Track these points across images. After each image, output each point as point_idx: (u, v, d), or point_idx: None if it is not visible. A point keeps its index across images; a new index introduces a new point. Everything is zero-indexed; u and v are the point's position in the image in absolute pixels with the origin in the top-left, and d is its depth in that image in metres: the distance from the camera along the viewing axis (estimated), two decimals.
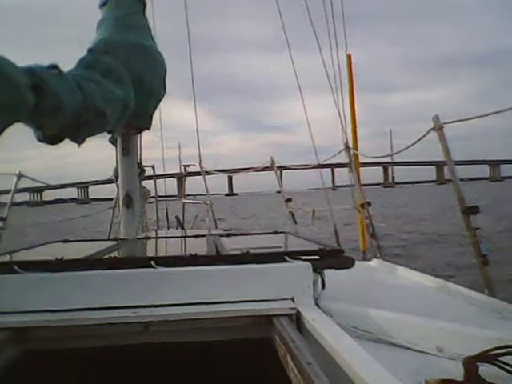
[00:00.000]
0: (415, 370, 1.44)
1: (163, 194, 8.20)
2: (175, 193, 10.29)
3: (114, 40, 2.95)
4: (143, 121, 3.33)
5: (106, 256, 2.16)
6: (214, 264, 1.90)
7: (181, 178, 8.88)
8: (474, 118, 2.43)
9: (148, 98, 3.07)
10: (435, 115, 2.58)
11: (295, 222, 5.25)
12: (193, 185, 8.39)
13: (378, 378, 1.09)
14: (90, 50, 2.74)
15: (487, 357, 1.37)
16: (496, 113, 2.20)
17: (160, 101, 3.36)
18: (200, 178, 7.02)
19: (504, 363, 1.29)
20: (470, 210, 2.41)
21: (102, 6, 3.39)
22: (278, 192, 5.93)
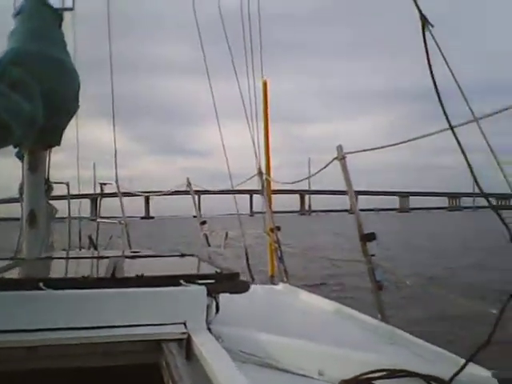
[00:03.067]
0: None
1: (77, 215, 7.93)
2: (89, 215, 9.97)
3: (25, 51, 2.87)
4: (53, 137, 3.24)
5: None
6: (107, 287, 1.84)
7: (95, 199, 8.63)
8: (373, 149, 2.59)
9: (59, 113, 3.00)
10: (339, 145, 2.70)
11: (209, 245, 5.27)
12: (107, 207, 8.15)
13: None
14: None
15: (362, 380, 1.44)
16: (393, 145, 2.36)
17: (72, 117, 3.29)
18: (116, 199, 6.88)
19: None
20: (367, 237, 2.55)
21: (16, 15, 3.29)
22: (194, 216, 5.93)
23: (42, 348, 1.60)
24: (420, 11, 1.44)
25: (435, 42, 1.44)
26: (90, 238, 7.16)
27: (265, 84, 4.46)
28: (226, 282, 1.97)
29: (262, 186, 4.38)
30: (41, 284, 1.80)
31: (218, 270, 2.10)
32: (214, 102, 5.39)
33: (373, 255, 2.51)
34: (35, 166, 3.38)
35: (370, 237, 2.55)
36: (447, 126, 1.46)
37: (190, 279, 1.92)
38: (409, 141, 2.31)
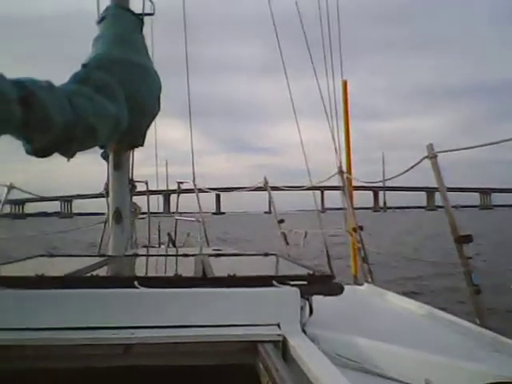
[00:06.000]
0: None
1: (155, 211, 8.14)
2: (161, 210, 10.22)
3: (109, 56, 2.94)
4: (136, 138, 3.30)
5: (89, 274, 2.11)
6: (200, 286, 1.85)
7: (167, 195, 8.82)
8: (469, 148, 2.45)
9: (141, 115, 3.05)
10: (429, 144, 2.59)
11: (287, 244, 5.22)
12: (180, 203, 8.29)
13: None
14: (84, 66, 2.71)
15: None
16: (494, 143, 2.20)
17: (153, 119, 3.34)
18: (187, 195, 6.99)
19: None
20: (463, 239, 2.40)
21: (99, 22, 3.39)
22: (266, 212, 5.92)
23: (137, 346, 1.62)
24: None
25: None
26: (169, 235, 7.31)
27: (345, 84, 4.45)
28: (320, 284, 1.92)
29: (343, 185, 4.30)
30: (136, 282, 1.83)
31: (311, 272, 2.05)
32: (292, 101, 5.37)
33: (469, 258, 2.35)
34: (120, 165, 3.48)
35: (467, 239, 2.39)
36: None
37: (283, 280, 1.89)
38: (504, 141, 2.14)
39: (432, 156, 2.57)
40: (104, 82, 2.59)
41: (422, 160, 2.66)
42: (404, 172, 3.14)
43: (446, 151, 2.56)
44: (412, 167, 2.87)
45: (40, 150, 1.98)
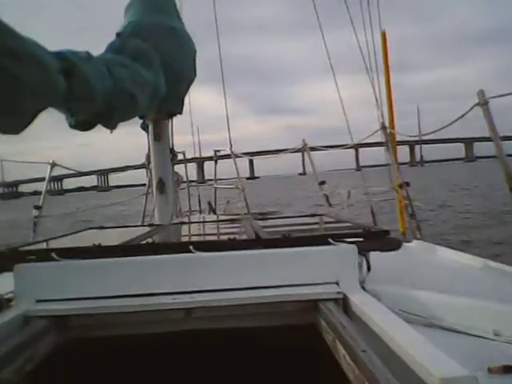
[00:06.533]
0: (473, 355, 1.35)
1: (193, 179, 8.19)
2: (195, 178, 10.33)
3: (142, 23, 2.90)
4: (174, 105, 3.28)
5: (144, 242, 2.13)
6: (254, 248, 1.84)
7: (201, 163, 8.85)
8: None
9: (178, 81, 3.02)
10: (480, 89, 2.49)
11: (330, 205, 5.17)
12: (211, 171, 8.27)
13: (439, 365, 1.01)
14: (118, 35, 2.69)
15: None
16: None
17: (190, 85, 3.30)
18: (220, 162, 7.02)
19: None
20: None
21: None
22: (300, 174, 5.87)
23: (197, 310, 1.63)
24: None
25: None
26: (209, 203, 7.37)
27: (384, 35, 4.28)
28: (376, 240, 1.90)
29: (386, 141, 4.19)
30: (191, 247, 1.82)
31: (366, 228, 2.02)
32: (329, 57, 5.20)
33: None
34: (160, 135, 3.47)
35: None
36: None
37: (339, 237, 1.87)
38: None
39: (484, 103, 2.47)
40: (140, 50, 2.56)
41: (473, 107, 2.55)
42: (452, 123, 3.02)
43: (498, 96, 2.44)
44: (463, 115, 2.76)
45: (84, 123, 1.98)
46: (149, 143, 3.58)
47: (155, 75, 2.57)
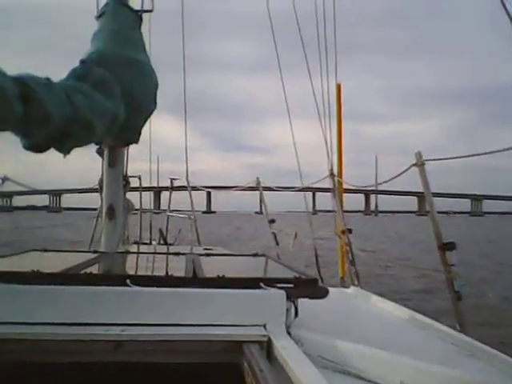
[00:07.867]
0: None
1: (146, 207, 8.14)
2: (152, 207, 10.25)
3: (107, 52, 2.96)
4: (132, 135, 3.32)
5: (83, 271, 2.15)
6: (190, 286, 1.89)
7: (158, 192, 8.82)
8: (456, 157, 2.52)
9: (138, 112, 3.07)
10: (418, 151, 2.65)
11: (277, 244, 5.27)
12: (167, 200, 8.24)
13: None
14: (82, 62, 2.74)
15: None
16: (479, 154, 2.27)
17: (149, 116, 3.36)
18: (177, 193, 7.01)
19: None
20: (446, 246, 2.46)
21: (98, 17, 3.41)
22: (257, 212, 5.98)
23: (129, 343, 1.66)
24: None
25: None
26: (160, 231, 7.33)
27: (338, 87, 4.46)
28: (306, 287, 1.98)
29: (334, 187, 4.34)
30: (128, 281, 1.87)
31: (297, 275, 2.10)
32: (286, 101, 5.42)
33: (452, 265, 2.42)
34: (114, 161, 3.49)
35: (450, 246, 2.46)
36: None
37: (270, 282, 1.94)
38: (499, 151, 2.21)
39: (420, 164, 2.63)
40: (102, 79, 2.62)
41: (409, 167, 2.72)
42: (392, 178, 3.20)
43: (434, 160, 2.62)
44: (400, 174, 2.94)
45: (37, 146, 2.02)
46: (103, 169, 3.60)
47: (115, 104, 2.63)
